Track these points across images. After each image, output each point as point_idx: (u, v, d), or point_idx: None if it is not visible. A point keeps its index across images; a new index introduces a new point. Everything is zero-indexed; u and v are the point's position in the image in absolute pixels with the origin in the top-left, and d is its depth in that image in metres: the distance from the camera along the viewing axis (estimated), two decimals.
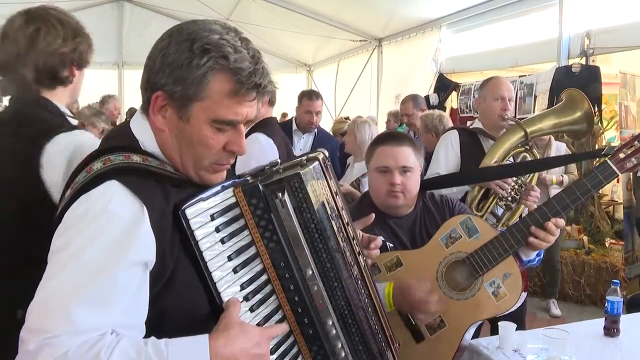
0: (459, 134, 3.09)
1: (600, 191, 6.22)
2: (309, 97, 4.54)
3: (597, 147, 6.03)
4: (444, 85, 7.32)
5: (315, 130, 4.67)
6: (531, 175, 2.94)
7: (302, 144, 4.63)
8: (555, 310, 5.01)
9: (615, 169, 1.89)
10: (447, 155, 3.04)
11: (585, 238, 5.61)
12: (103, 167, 1.07)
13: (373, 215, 1.65)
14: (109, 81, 9.15)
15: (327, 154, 1.30)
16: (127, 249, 1.00)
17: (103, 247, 0.99)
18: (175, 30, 1.12)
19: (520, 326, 2.65)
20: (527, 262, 1.99)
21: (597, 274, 5.20)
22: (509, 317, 2.65)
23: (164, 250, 1.04)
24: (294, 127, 4.63)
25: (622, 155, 1.91)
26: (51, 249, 1.03)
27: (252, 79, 1.09)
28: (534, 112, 5.48)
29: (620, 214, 6.00)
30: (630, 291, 4.65)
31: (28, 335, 0.94)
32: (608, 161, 1.90)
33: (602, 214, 6.07)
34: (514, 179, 2.82)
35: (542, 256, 2.05)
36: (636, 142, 1.91)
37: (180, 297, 1.08)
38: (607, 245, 5.64)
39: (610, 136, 7.09)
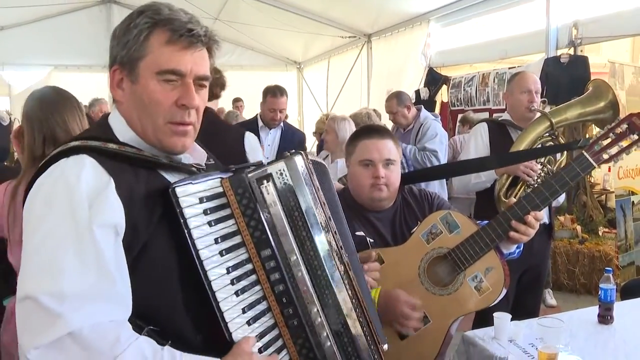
0: (488, 126, 3.22)
1: (592, 180, 6.27)
2: (272, 94, 4.45)
3: (587, 136, 6.06)
4: (434, 79, 7.34)
5: (282, 124, 4.66)
6: (558, 161, 3.05)
7: (270, 139, 4.62)
8: (551, 300, 5.03)
9: (592, 161, 1.91)
10: (477, 147, 3.18)
11: (578, 227, 5.63)
12: (80, 144, 1.12)
13: (374, 253, 1.68)
14: (99, 84, 9.06)
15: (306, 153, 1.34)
16: (98, 213, 1.03)
17: (77, 213, 1.02)
18: None
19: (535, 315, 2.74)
20: (507, 254, 1.99)
21: (591, 263, 5.22)
22: (525, 310, 2.68)
23: (135, 224, 1.07)
24: (260, 123, 4.60)
25: (598, 148, 1.92)
26: (25, 212, 1.08)
27: (186, 26, 1.14)
28: None
29: (612, 203, 6.03)
30: (623, 279, 4.69)
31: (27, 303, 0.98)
32: (585, 153, 1.92)
33: (594, 203, 6.09)
34: (540, 166, 2.93)
35: (522, 248, 2.05)
36: (611, 134, 1.93)
37: (148, 275, 1.09)
38: (600, 234, 5.66)
39: None
